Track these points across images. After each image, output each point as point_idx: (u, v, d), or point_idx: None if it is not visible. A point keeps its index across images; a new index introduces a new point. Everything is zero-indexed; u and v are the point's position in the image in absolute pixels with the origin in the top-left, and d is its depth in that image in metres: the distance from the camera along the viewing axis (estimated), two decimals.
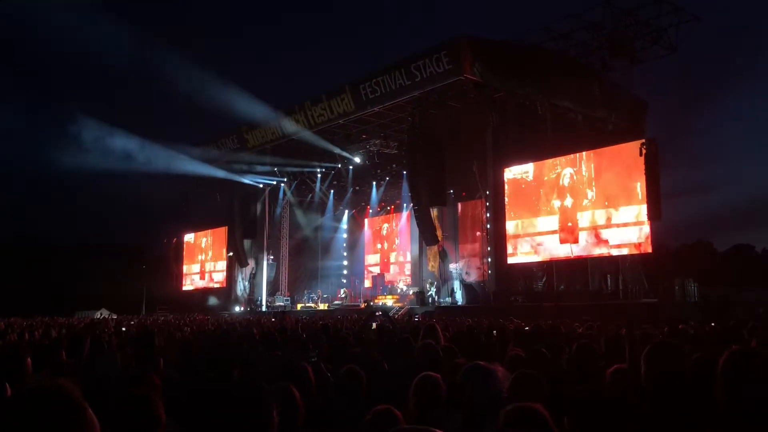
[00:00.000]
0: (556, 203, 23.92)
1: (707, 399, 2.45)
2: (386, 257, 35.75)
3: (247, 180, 35.42)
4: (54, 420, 1.35)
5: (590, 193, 22.96)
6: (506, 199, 25.26)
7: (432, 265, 30.02)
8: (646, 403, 2.67)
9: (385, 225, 36.27)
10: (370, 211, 36.52)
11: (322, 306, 31.43)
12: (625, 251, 22.14)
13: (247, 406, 2.03)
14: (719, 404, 2.31)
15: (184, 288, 43.36)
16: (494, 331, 8.78)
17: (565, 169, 23.84)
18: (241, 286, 37.43)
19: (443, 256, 28.32)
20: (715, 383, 2.33)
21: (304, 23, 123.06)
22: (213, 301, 38.82)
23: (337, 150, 31.10)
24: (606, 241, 22.37)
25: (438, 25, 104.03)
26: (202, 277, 42.11)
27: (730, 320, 11.19)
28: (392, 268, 34.88)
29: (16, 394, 1.44)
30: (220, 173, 34.67)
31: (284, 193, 36.76)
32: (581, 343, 5.07)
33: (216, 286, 40.02)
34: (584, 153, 23.39)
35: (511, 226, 25.11)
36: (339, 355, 5.78)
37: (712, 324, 11.44)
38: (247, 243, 36.83)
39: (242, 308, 35.22)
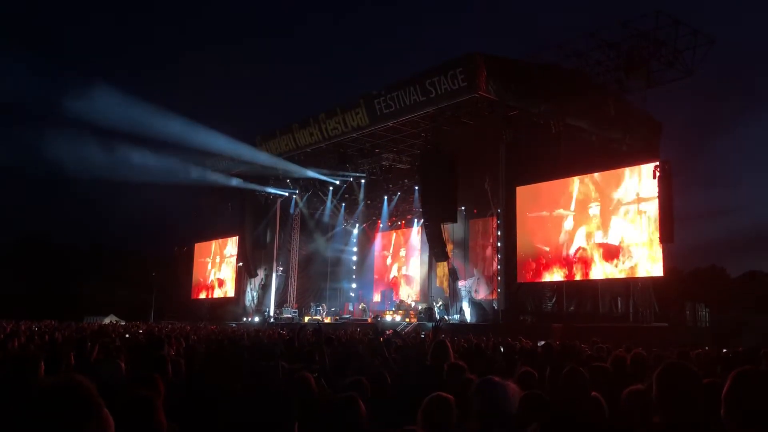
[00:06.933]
0: (568, 224, 23.82)
1: (717, 422, 2.41)
2: (395, 273, 35.67)
3: (259, 190, 35.54)
4: (72, 413, 1.37)
5: (600, 212, 22.84)
6: (517, 216, 25.17)
7: (441, 281, 29.91)
8: (655, 425, 2.64)
9: (396, 240, 36.21)
10: (381, 225, 36.49)
11: (327, 319, 31.34)
12: (636, 274, 21.96)
13: (272, 412, 2.03)
14: (725, 426, 2.27)
15: (193, 297, 43.43)
16: (501, 348, 8.73)
17: (577, 189, 23.77)
18: (250, 297, 37.43)
19: (452, 274, 28.23)
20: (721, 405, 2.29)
21: (315, 36, 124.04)
22: (222, 311, 38.82)
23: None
24: (617, 263, 22.21)
25: (452, 44, 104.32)
26: (211, 287, 42.17)
27: (742, 346, 11.03)
28: (401, 284, 34.77)
29: (37, 389, 1.47)
30: (233, 182, 34.83)
31: (296, 205, 36.85)
32: (592, 365, 5.02)
33: (225, 296, 40.04)
34: (597, 173, 23.33)
35: (522, 245, 24.99)
36: (344, 367, 5.75)
37: (724, 350, 11.28)
38: (256, 254, 36.88)
39: (249, 318, 35.12)
